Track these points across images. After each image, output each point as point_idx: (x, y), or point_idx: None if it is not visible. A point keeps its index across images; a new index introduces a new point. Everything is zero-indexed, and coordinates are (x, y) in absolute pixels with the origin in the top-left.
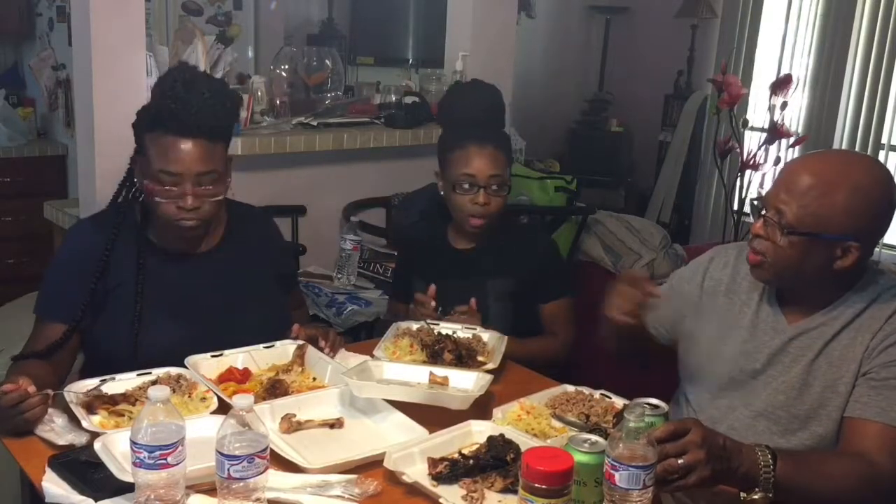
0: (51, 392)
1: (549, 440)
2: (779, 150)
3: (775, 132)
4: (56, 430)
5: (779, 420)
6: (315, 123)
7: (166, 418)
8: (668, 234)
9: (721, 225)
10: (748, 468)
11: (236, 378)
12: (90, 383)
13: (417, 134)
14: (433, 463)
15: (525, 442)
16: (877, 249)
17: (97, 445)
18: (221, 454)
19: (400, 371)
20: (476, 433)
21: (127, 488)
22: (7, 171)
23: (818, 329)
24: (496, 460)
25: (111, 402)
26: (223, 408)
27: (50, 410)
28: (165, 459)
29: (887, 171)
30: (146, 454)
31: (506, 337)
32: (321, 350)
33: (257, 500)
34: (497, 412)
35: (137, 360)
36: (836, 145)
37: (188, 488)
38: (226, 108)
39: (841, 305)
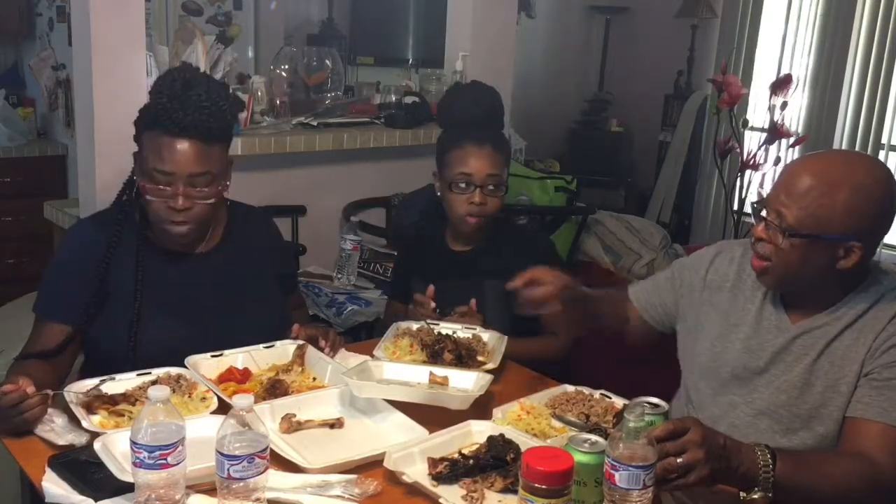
0: (50, 392)
1: (549, 440)
2: (779, 150)
3: (775, 132)
4: (56, 430)
5: (780, 419)
6: (315, 123)
7: (166, 418)
8: (668, 234)
9: (721, 225)
10: (747, 468)
11: (236, 378)
12: (90, 383)
13: (417, 134)
14: (433, 463)
15: (525, 442)
16: (876, 249)
17: (97, 445)
18: (221, 454)
19: (400, 371)
20: (476, 433)
21: (127, 488)
22: (7, 171)
23: (821, 329)
24: (496, 460)
25: (111, 402)
26: (223, 408)
27: (50, 410)
28: (165, 459)
29: (887, 170)
30: (146, 454)
31: (506, 337)
32: (321, 350)
33: (257, 500)
34: (497, 412)
35: (137, 359)
36: (836, 145)
37: (188, 488)
38: (222, 110)
39: (844, 306)
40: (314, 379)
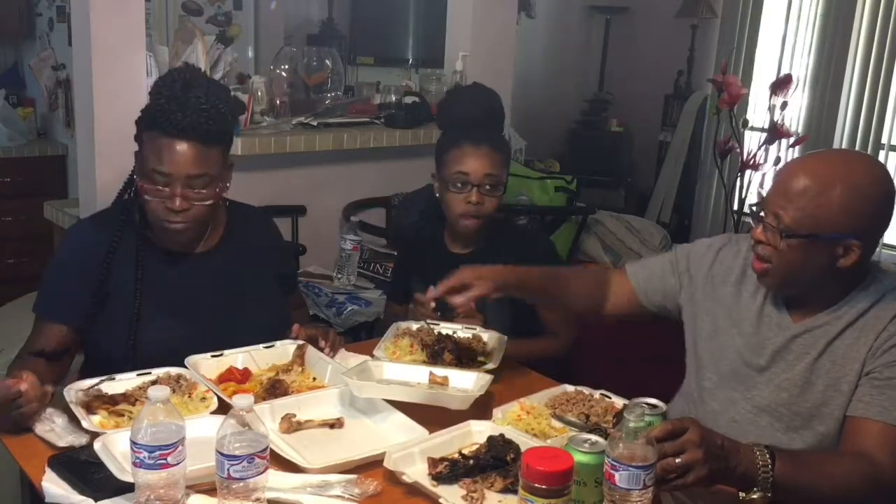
0: (50, 388)
1: (549, 440)
2: (779, 150)
3: (775, 132)
4: (56, 430)
5: (781, 417)
6: (315, 123)
7: (166, 418)
8: (668, 234)
9: (721, 225)
10: (746, 468)
11: (236, 378)
12: (90, 383)
13: (417, 134)
14: (433, 463)
15: (525, 442)
16: (876, 249)
17: (97, 445)
18: (221, 454)
19: (400, 371)
20: (476, 433)
21: (127, 488)
22: (7, 171)
23: (822, 328)
24: (496, 460)
25: (111, 402)
26: (223, 408)
27: (50, 410)
28: (165, 459)
29: (883, 168)
30: (146, 454)
31: (506, 337)
32: (321, 350)
33: (257, 500)
34: (497, 412)
35: (137, 359)
36: (836, 145)
37: (188, 488)
38: (220, 112)
39: (845, 305)
40: (314, 379)
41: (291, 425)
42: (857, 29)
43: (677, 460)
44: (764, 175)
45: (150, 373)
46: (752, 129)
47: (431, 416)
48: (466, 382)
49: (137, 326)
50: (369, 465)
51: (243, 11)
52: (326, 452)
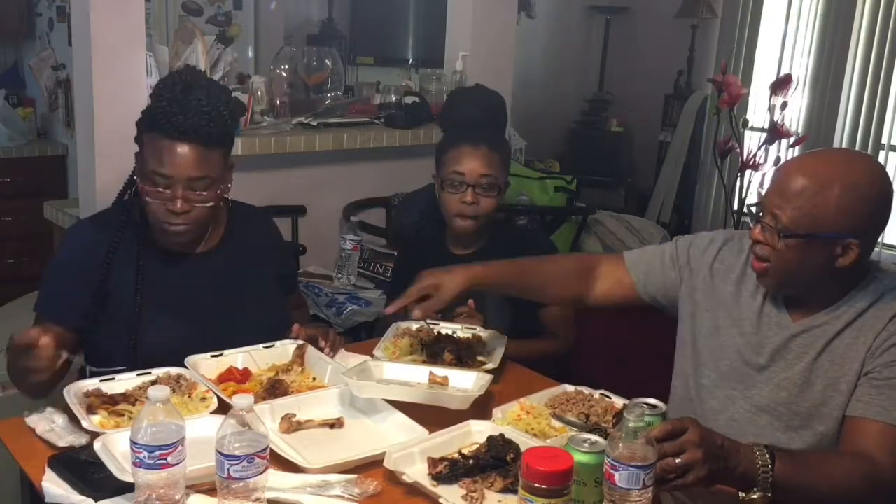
0: (65, 354)
1: (549, 440)
2: (779, 150)
3: (775, 132)
4: (56, 430)
5: (781, 416)
6: (315, 123)
7: (166, 418)
8: (668, 234)
9: (721, 225)
10: (746, 468)
11: (236, 378)
12: (90, 383)
13: (417, 134)
14: (433, 463)
15: (525, 442)
16: (875, 249)
17: (97, 445)
18: (221, 454)
19: (400, 371)
20: (476, 433)
21: (127, 488)
22: (7, 171)
23: (821, 327)
24: (496, 460)
25: (111, 402)
26: (223, 408)
27: (50, 410)
28: (165, 459)
29: (881, 167)
30: (146, 454)
31: (506, 337)
32: (321, 350)
33: (257, 500)
34: (497, 412)
35: (137, 359)
36: (836, 145)
37: (188, 488)
38: (221, 115)
39: (844, 304)
40: (314, 379)
41: (291, 425)
42: (857, 29)
43: (677, 460)
44: (764, 175)
45: (150, 373)
46: (752, 129)
47: (431, 416)
48: (466, 382)
49: (138, 326)
50: (369, 465)
51: (243, 11)
52: (326, 452)
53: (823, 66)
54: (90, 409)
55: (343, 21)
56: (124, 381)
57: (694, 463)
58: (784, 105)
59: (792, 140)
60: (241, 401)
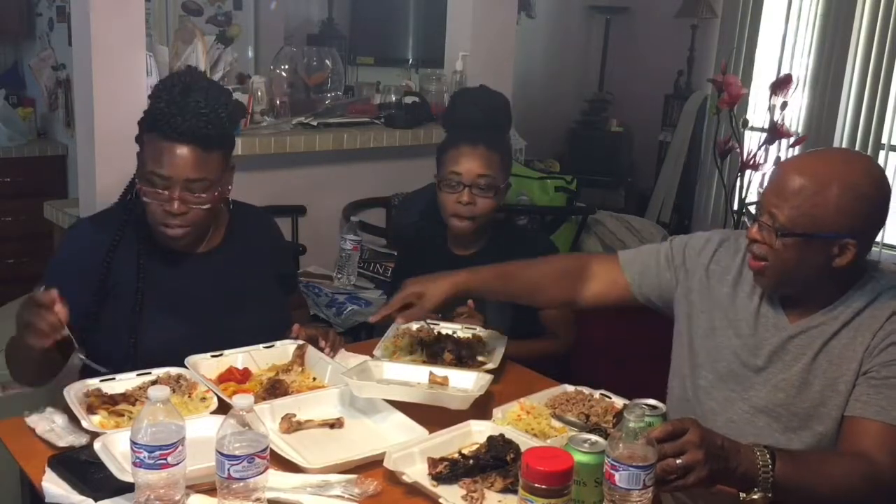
0: (66, 331)
1: (549, 440)
2: (779, 150)
3: (775, 132)
4: (56, 430)
5: (779, 417)
6: (315, 123)
7: (166, 418)
8: (669, 233)
9: (721, 225)
10: (747, 468)
11: (236, 378)
12: (90, 383)
13: (417, 134)
14: (433, 463)
15: (525, 442)
16: (876, 249)
17: (97, 445)
18: (221, 454)
19: (400, 371)
20: (476, 433)
21: (127, 488)
22: (7, 171)
23: (818, 328)
24: (496, 460)
25: (111, 402)
26: (223, 408)
27: (50, 410)
28: (165, 459)
29: (879, 167)
30: (146, 454)
31: (506, 337)
32: (321, 350)
33: (257, 500)
34: (497, 412)
35: (137, 359)
36: (836, 145)
37: (188, 488)
38: (220, 117)
39: (841, 305)
40: (314, 379)
41: (291, 425)
42: (857, 29)
43: (678, 461)
44: (764, 175)
45: (150, 373)
46: (752, 129)
47: (431, 416)
48: (466, 382)
49: (138, 326)
50: (369, 465)
51: (243, 11)
52: (326, 452)
53: (823, 66)
54: (90, 409)
55: (343, 21)
56: (124, 381)
57: (695, 464)
58: (784, 105)
59: (792, 140)
60: (241, 401)
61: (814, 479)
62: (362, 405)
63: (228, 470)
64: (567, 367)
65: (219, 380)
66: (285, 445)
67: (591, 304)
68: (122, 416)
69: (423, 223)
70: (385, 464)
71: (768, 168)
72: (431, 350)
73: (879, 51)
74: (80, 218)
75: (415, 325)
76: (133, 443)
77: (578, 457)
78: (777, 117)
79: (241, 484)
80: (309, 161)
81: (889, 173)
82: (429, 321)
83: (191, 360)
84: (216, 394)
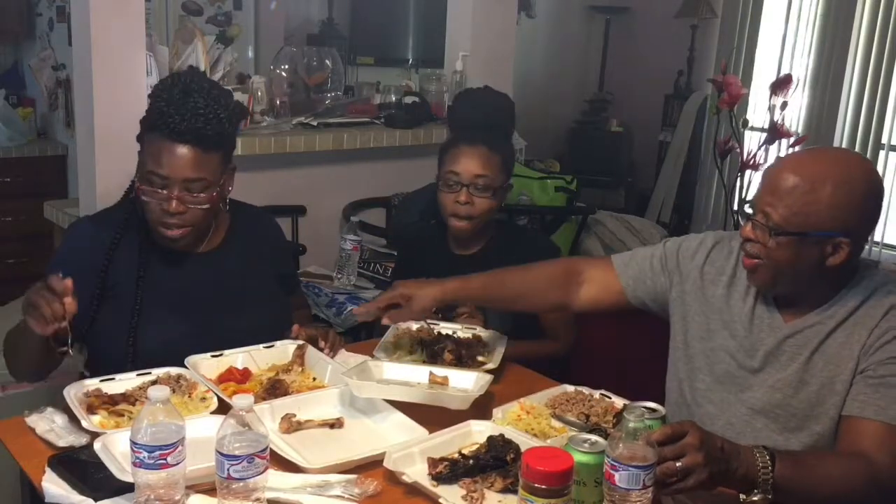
0: (66, 326)
1: (549, 440)
2: (779, 150)
3: (775, 132)
4: (56, 430)
5: (777, 418)
6: (315, 123)
7: (166, 418)
8: (669, 233)
9: (721, 225)
10: (747, 470)
11: (236, 378)
12: (90, 383)
13: (417, 134)
14: (433, 463)
15: (525, 442)
16: (876, 249)
17: (97, 445)
18: (221, 454)
19: (400, 371)
20: (476, 433)
21: (127, 488)
22: (7, 171)
23: (813, 328)
24: (496, 460)
25: (111, 402)
26: (223, 408)
27: (50, 410)
28: (165, 459)
29: (871, 165)
30: (146, 454)
31: (506, 337)
32: (321, 350)
33: (257, 500)
34: (497, 412)
35: (137, 358)
36: (836, 145)
37: (188, 488)
38: (219, 118)
39: (836, 304)
40: (314, 379)
41: (291, 425)
42: (857, 29)
43: (677, 464)
44: None
45: (150, 373)
46: (752, 129)
47: (431, 416)
48: (466, 382)
49: (138, 325)
50: (369, 465)
51: (243, 11)
52: (326, 452)
53: (823, 66)
54: (90, 409)
55: (343, 21)
56: (124, 381)
57: (695, 466)
58: (784, 105)
59: (792, 140)
60: (241, 401)
61: (813, 479)
62: (362, 405)
63: (228, 470)
64: (567, 367)
65: (219, 380)
66: (285, 445)
67: (585, 308)
68: (122, 416)
69: (424, 223)
70: (385, 464)
71: None
72: (431, 350)
73: (879, 51)
74: (80, 217)
75: (415, 325)
76: (133, 443)
77: (578, 457)
78: (777, 117)
79: (241, 484)
80: (309, 161)
81: (889, 173)
82: (429, 321)
83: (191, 360)
84: (216, 394)
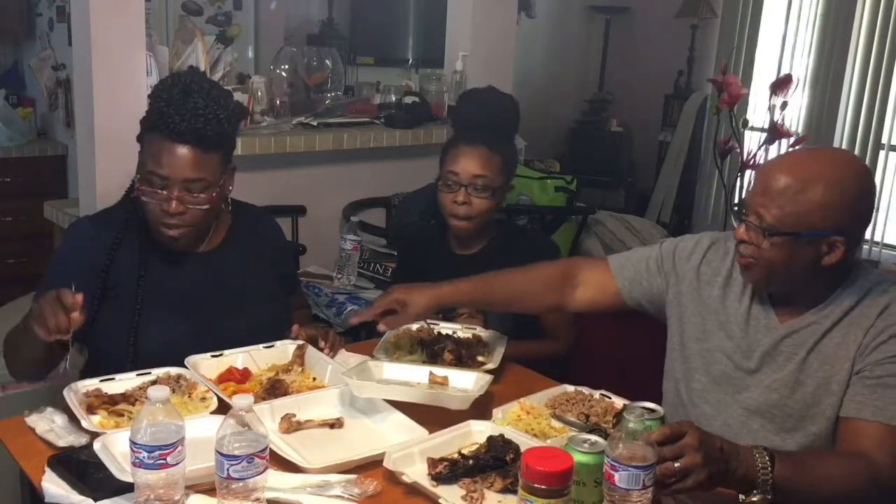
0: (69, 339)
1: (549, 440)
2: (779, 149)
3: (775, 132)
4: (56, 430)
5: (774, 418)
6: (315, 123)
7: (166, 418)
8: (669, 233)
9: (721, 225)
10: (746, 470)
11: (236, 378)
12: (90, 383)
13: (417, 134)
14: (433, 463)
15: (525, 442)
16: (876, 249)
17: (97, 445)
18: (221, 454)
19: (400, 371)
20: (476, 433)
21: (127, 488)
22: (7, 171)
23: (809, 328)
24: (496, 460)
25: (111, 402)
26: (223, 408)
27: (50, 410)
28: (165, 459)
29: (862, 164)
30: (146, 454)
31: (506, 337)
32: (321, 350)
33: (257, 500)
34: (497, 412)
35: (137, 358)
36: (836, 145)
37: (188, 488)
38: (219, 118)
39: (831, 303)
40: (314, 379)
41: (291, 425)
42: (857, 29)
43: (676, 464)
44: None
45: (150, 373)
46: (752, 129)
47: (431, 416)
48: (466, 382)
49: (138, 325)
50: (369, 465)
51: (243, 11)
52: (326, 452)
53: (823, 66)
54: (90, 409)
55: (343, 21)
56: (124, 381)
57: (693, 467)
58: (784, 105)
59: (792, 140)
60: (240, 401)
61: (813, 480)
62: (362, 405)
63: (228, 470)
64: (567, 367)
65: (219, 380)
66: (285, 445)
67: (581, 310)
68: (122, 416)
69: (425, 223)
70: (385, 464)
71: None
72: (431, 350)
73: (879, 51)
74: (81, 217)
75: (415, 326)
76: (133, 443)
77: (578, 457)
78: (777, 117)
79: (241, 484)
80: (309, 161)
81: (889, 173)
82: (429, 321)
83: (191, 360)
84: (216, 394)
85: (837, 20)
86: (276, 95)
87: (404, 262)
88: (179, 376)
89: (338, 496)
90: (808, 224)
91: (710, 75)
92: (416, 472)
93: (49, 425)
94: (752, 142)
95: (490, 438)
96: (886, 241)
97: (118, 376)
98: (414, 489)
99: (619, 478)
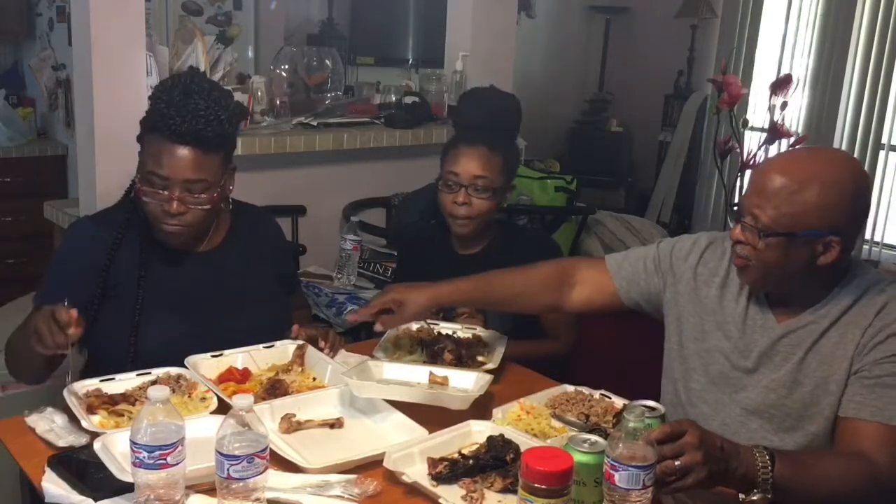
0: (68, 352)
1: (549, 440)
2: (779, 149)
3: (775, 132)
4: (56, 430)
5: (772, 418)
6: (315, 123)
7: (166, 418)
8: (669, 233)
9: (721, 225)
10: (746, 469)
11: (236, 378)
12: (90, 383)
13: (417, 134)
14: (433, 463)
15: (525, 442)
16: (876, 249)
17: (97, 445)
18: (221, 454)
19: (400, 371)
20: (476, 433)
21: (127, 488)
22: (7, 171)
23: (806, 328)
24: (496, 460)
25: (111, 402)
26: (223, 408)
27: (50, 410)
28: (165, 459)
29: (857, 163)
30: (146, 454)
31: (506, 337)
32: (321, 350)
33: (257, 500)
34: (497, 412)
35: (137, 358)
36: (836, 145)
37: (188, 488)
38: (220, 119)
39: (829, 303)
40: (314, 379)
41: (291, 425)
42: (857, 29)
43: (676, 463)
44: None
45: (150, 373)
46: (752, 129)
47: (431, 416)
48: (466, 382)
49: (138, 325)
50: (369, 465)
51: (243, 11)
52: (326, 452)
53: (823, 66)
54: (90, 409)
55: (343, 21)
56: (124, 381)
57: (693, 465)
58: (784, 105)
59: (792, 140)
60: (240, 401)
61: (813, 479)
62: (362, 405)
63: (228, 470)
64: (567, 367)
65: (219, 380)
66: (285, 445)
67: (579, 310)
68: (122, 416)
69: (425, 223)
70: (385, 464)
71: None
72: (431, 350)
73: (879, 51)
74: (81, 217)
75: (415, 325)
76: (133, 443)
77: (578, 457)
78: (777, 117)
79: (241, 484)
80: (309, 161)
81: (889, 173)
82: (429, 321)
83: (191, 360)
84: (216, 394)
85: (837, 20)
86: (276, 95)
87: (404, 262)
88: (179, 376)
89: (338, 496)
90: (803, 224)
91: (710, 75)
92: (416, 472)
93: (49, 425)
94: (752, 142)
95: (490, 438)
96: (886, 241)
97: (118, 376)
98: (414, 489)
99: (619, 477)
